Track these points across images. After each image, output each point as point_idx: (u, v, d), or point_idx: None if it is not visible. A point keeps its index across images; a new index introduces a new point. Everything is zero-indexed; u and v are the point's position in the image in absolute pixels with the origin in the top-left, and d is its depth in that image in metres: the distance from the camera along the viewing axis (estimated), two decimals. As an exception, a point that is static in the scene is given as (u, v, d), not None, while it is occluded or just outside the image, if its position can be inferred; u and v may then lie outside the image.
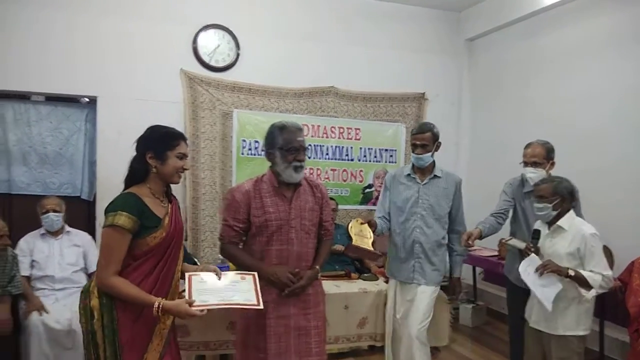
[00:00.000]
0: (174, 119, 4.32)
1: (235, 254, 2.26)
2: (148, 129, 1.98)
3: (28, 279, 3.20)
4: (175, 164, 1.91)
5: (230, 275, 2.00)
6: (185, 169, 1.95)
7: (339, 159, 4.87)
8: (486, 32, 5.02)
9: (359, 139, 4.94)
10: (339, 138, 4.86)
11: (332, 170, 4.83)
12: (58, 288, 3.22)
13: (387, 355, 2.99)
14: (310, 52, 4.80)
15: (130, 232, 1.78)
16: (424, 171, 2.86)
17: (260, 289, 2.00)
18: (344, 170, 4.89)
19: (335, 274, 3.65)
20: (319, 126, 4.77)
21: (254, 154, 4.60)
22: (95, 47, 4.17)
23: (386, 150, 5.02)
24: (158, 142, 1.90)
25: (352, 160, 4.92)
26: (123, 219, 1.77)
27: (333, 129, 4.84)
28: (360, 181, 4.96)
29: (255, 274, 2.06)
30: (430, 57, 5.22)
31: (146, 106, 4.27)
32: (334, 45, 4.89)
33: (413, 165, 2.89)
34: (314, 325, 2.24)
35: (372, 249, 2.51)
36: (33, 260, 3.21)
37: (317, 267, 2.27)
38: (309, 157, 4.69)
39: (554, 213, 2.44)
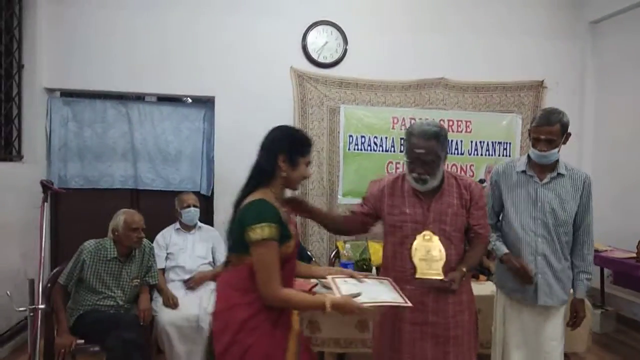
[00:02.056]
0: (285, 116, 4.41)
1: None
2: (278, 129, 1.85)
3: (163, 271, 3.40)
4: (304, 172, 1.84)
5: (368, 280, 2.01)
6: (307, 177, 1.90)
7: (448, 153, 4.67)
8: (613, 14, 4.57)
9: (469, 132, 4.70)
10: (449, 131, 4.65)
11: (441, 164, 4.66)
12: (187, 279, 3.39)
13: None
14: (418, 44, 4.67)
15: (278, 242, 1.72)
16: (543, 168, 2.34)
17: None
18: (453, 165, 4.69)
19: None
20: (426, 119, 4.61)
21: (361, 149, 4.54)
22: (212, 48, 4.37)
23: (499, 143, 4.74)
24: (292, 146, 1.80)
25: (462, 154, 4.71)
26: (273, 231, 1.69)
27: (442, 122, 4.64)
28: (471, 176, 4.73)
29: (390, 279, 2.05)
30: (549, 42, 4.86)
31: (259, 104, 4.40)
32: (444, 35, 4.72)
33: (529, 159, 2.37)
34: (453, 335, 2.09)
35: (442, 276, 1.96)
36: (168, 253, 3.41)
37: (464, 268, 2.06)
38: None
39: None
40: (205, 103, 4.57)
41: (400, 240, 2.12)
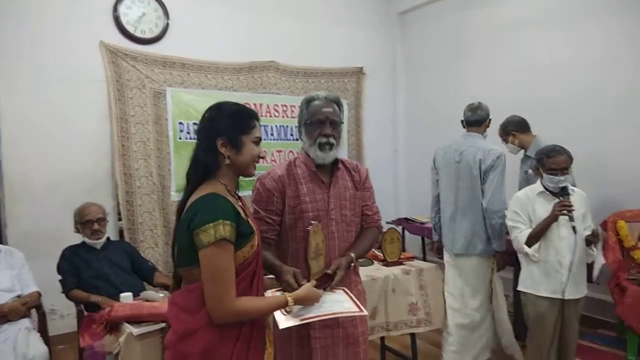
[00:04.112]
0: (97, 100, 3.71)
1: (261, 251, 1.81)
2: (213, 107, 1.53)
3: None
4: (252, 151, 1.52)
5: (319, 291, 1.71)
6: (262, 157, 1.57)
7: (284, 139, 4.55)
8: (418, 6, 5.01)
9: (302, 117, 4.65)
10: (283, 117, 4.53)
11: (277, 151, 4.49)
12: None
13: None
14: (247, 23, 4.39)
15: (233, 244, 1.39)
16: None
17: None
18: (290, 152, 4.58)
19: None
20: (261, 104, 4.37)
21: (194, 138, 4.02)
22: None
23: (330, 128, 4.79)
24: (229, 125, 1.48)
25: (297, 140, 4.57)
26: (227, 229, 1.36)
27: (276, 107, 4.48)
28: (306, 162, 4.70)
29: (344, 288, 1.80)
30: (366, 31, 5.10)
31: (62, 87, 3.54)
32: (271, 16, 4.53)
33: None
34: (361, 332, 1.96)
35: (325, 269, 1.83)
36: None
37: (352, 254, 1.89)
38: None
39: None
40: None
41: (303, 233, 1.85)
